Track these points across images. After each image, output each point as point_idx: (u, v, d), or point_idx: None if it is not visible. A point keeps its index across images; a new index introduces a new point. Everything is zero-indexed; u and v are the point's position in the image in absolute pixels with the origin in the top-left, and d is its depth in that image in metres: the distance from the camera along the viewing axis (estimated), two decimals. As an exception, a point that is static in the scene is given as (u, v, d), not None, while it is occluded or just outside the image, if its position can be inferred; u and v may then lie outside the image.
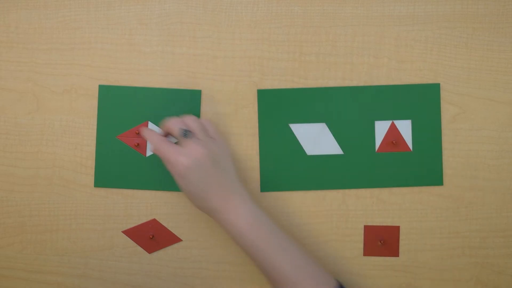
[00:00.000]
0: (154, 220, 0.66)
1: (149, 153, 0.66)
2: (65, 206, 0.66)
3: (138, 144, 0.65)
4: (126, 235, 0.66)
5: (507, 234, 0.65)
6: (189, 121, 0.61)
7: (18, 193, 0.66)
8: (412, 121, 0.65)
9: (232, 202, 0.58)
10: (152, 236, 0.65)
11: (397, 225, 0.66)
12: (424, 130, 0.65)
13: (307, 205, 0.66)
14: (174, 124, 0.60)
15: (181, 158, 0.57)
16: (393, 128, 0.66)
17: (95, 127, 0.66)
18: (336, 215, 0.66)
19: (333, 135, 0.66)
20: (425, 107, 0.66)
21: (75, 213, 0.66)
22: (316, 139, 0.66)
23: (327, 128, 0.66)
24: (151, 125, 0.66)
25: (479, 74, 0.66)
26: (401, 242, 0.66)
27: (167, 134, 0.63)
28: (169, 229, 0.66)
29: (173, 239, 0.66)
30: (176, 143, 0.61)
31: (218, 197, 0.58)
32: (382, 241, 0.65)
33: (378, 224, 0.66)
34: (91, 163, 0.66)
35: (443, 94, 0.66)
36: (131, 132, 0.66)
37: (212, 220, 0.64)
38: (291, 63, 0.66)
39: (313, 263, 0.58)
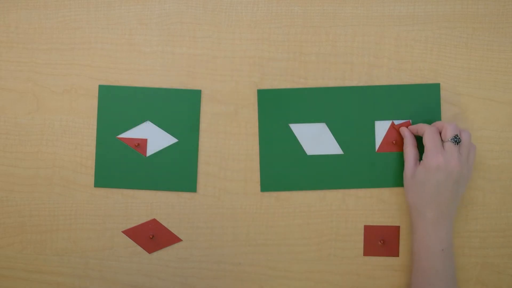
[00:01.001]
0: (154, 220, 0.66)
1: (149, 153, 0.66)
2: (65, 206, 0.66)
3: (138, 144, 0.65)
4: (126, 235, 0.66)
5: (507, 234, 0.65)
6: (464, 134, 0.61)
7: (18, 193, 0.66)
8: (412, 121, 0.65)
9: (441, 223, 0.60)
10: (152, 236, 0.65)
11: (397, 225, 0.66)
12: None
13: (307, 205, 0.66)
14: (451, 127, 0.60)
15: (440, 156, 0.59)
16: (393, 128, 0.66)
17: (95, 127, 0.66)
18: (336, 215, 0.66)
19: (333, 135, 0.66)
20: (425, 107, 0.65)
21: (75, 213, 0.66)
22: (316, 139, 0.66)
23: (327, 128, 0.66)
24: (150, 124, 0.66)
25: (479, 74, 0.66)
26: (401, 242, 0.66)
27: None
28: (169, 229, 0.66)
29: (173, 239, 0.66)
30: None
31: (437, 211, 0.60)
32: (382, 241, 0.65)
33: (378, 224, 0.66)
34: (91, 163, 0.66)
35: (443, 94, 0.66)
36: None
37: (213, 220, 0.64)
38: (291, 63, 0.66)
39: None
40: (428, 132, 0.60)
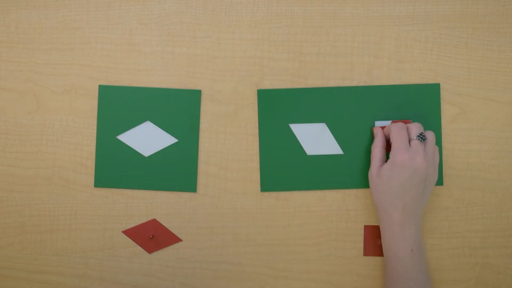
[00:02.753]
0: (154, 220, 0.66)
1: (149, 153, 0.66)
2: (65, 206, 0.66)
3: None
4: (126, 235, 0.66)
5: (507, 234, 0.65)
6: (429, 133, 0.61)
7: (18, 193, 0.66)
8: (412, 121, 0.65)
9: (408, 224, 0.59)
10: (152, 236, 0.65)
11: (397, 225, 0.66)
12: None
13: (307, 205, 0.66)
14: (416, 126, 0.60)
15: (405, 152, 0.58)
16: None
17: (95, 127, 0.66)
18: (336, 215, 0.66)
19: (333, 135, 0.66)
20: (425, 107, 0.65)
21: (75, 213, 0.66)
22: (316, 139, 0.66)
23: (327, 128, 0.66)
24: (150, 124, 0.66)
25: (479, 74, 0.66)
26: (401, 242, 0.66)
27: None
28: (169, 229, 0.66)
29: (173, 239, 0.66)
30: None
31: (403, 212, 0.59)
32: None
33: (378, 224, 0.66)
34: (91, 163, 0.66)
35: (443, 94, 0.66)
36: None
37: (213, 220, 0.64)
38: (291, 63, 0.66)
39: None
40: (394, 130, 0.60)
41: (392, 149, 0.60)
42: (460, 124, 0.66)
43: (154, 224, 0.66)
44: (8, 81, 0.66)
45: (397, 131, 0.60)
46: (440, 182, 0.65)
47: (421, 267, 0.60)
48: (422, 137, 0.60)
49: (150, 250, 0.66)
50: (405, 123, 0.65)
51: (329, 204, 0.66)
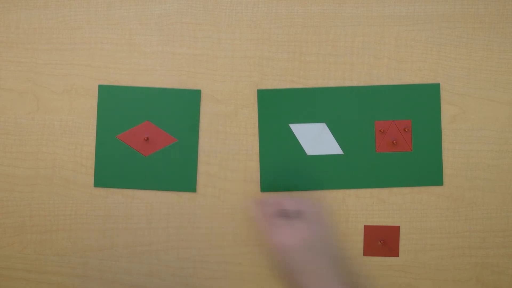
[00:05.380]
0: (148, 122, 0.64)
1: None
2: (65, 206, 0.66)
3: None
4: (121, 140, 0.63)
5: (507, 234, 0.65)
6: (288, 204, 0.58)
7: (18, 193, 0.66)
8: (412, 121, 0.65)
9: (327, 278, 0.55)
10: (146, 138, 0.65)
11: (397, 225, 0.66)
12: (424, 130, 0.65)
13: (307, 205, 0.66)
14: (271, 204, 0.58)
15: (283, 237, 0.55)
16: (393, 128, 0.66)
17: (95, 127, 0.66)
18: (336, 215, 0.66)
19: (333, 135, 0.66)
20: (425, 107, 0.66)
21: (75, 213, 0.66)
22: (316, 139, 0.66)
23: (327, 128, 0.66)
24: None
25: (479, 74, 0.66)
26: (401, 242, 0.66)
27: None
28: (169, 229, 0.66)
29: (168, 139, 0.64)
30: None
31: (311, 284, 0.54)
32: (382, 241, 0.65)
33: (378, 224, 0.66)
34: (91, 163, 0.66)
35: (443, 94, 0.66)
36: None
37: (213, 220, 0.64)
38: (291, 63, 0.66)
39: None
40: (257, 222, 0.58)
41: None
42: (460, 124, 0.66)
43: (148, 126, 0.65)
44: (8, 81, 0.66)
45: (259, 221, 0.57)
46: (440, 182, 0.65)
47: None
48: (282, 214, 0.57)
49: (145, 153, 0.65)
50: (406, 125, 0.65)
51: (329, 204, 0.66)
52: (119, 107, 0.66)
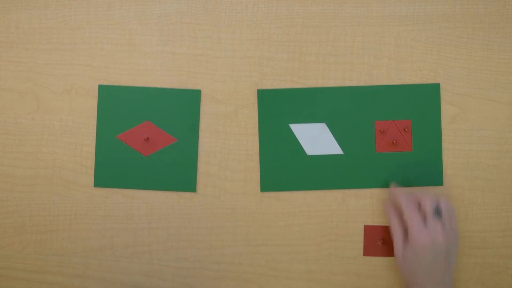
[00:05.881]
0: (148, 122, 0.64)
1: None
2: (65, 206, 0.66)
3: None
4: (121, 140, 0.64)
5: (507, 234, 0.65)
6: (443, 202, 0.60)
7: (18, 193, 0.66)
8: (412, 121, 0.65)
9: None
10: (146, 138, 0.65)
11: (397, 225, 0.66)
12: (424, 130, 0.65)
13: (307, 205, 0.66)
14: (429, 199, 0.60)
15: (424, 234, 0.58)
16: (393, 128, 0.66)
17: (95, 127, 0.66)
18: (336, 215, 0.66)
19: (333, 135, 0.66)
20: (425, 107, 0.66)
21: (75, 213, 0.66)
22: (316, 139, 0.66)
23: (327, 128, 0.66)
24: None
25: (479, 74, 0.66)
26: (401, 242, 0.66)
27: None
28: (169, 229, 0.66)
29: (168, 139, 0.64)
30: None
31: (433, 285, 0.58)
32: (382, 241, 0.65)
33: (378, 224, 0.66)
34: (91, 163, 0.66)
35: (443, 94, 0.66)
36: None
37: (213, 220, 0.64)
38: (291, 63, 0.66)
39: None
40: (406, 209, 0.59)
41: (409, 231, 0.59)
42: (460, 124, 0.66)
43: (148, 126, 0.65)
44: (8, 81, 0.66)
45: (410, 210, 0.59)
46: (440, 182, 0.65)
47: None
48: (437, 212, 0.59)
49: (145, 153, 0.65)
50: (406, 125, 0.65)
51: (329, 204, 0.66)
52: (119, 107, 0.66)
